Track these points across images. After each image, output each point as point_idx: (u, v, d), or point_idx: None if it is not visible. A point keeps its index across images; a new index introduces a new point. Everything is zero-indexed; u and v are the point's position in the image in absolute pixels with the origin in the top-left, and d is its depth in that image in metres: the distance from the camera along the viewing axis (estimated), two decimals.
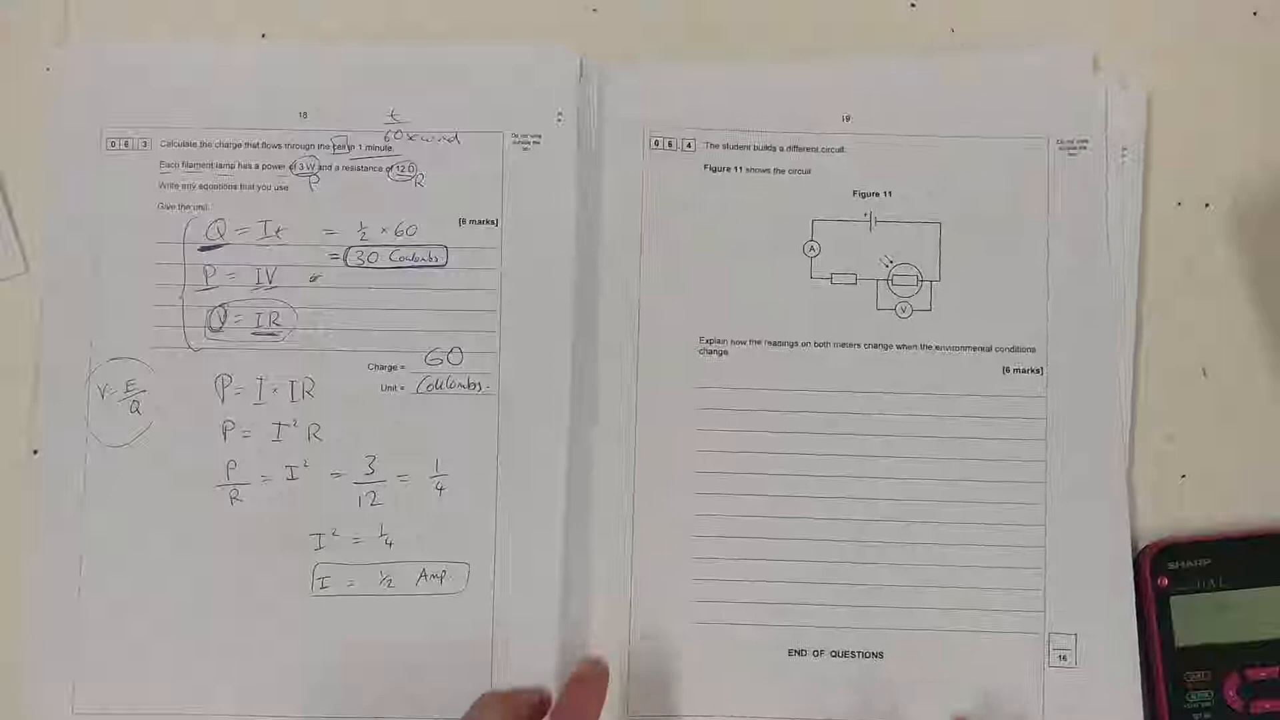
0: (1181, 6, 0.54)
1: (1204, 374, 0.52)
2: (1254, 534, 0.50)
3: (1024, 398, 0.51)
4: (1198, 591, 0.49)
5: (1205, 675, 0.49)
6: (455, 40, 0.53)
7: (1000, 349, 0.52)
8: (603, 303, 0.52)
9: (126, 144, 0.52)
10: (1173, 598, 0.49)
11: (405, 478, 0.51)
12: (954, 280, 0.52)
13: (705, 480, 0.51)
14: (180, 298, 0.52)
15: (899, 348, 0.52)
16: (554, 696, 0.49)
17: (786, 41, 0.53)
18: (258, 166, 0.52)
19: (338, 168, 0.52)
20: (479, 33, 0.53)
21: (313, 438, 0.51)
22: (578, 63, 0.53)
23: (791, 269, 0.52)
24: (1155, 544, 0.50)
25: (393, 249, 0.52)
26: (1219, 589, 0.49)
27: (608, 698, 0.49)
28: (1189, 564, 0.49)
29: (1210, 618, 0.49)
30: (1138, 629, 0.50)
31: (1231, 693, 0.49)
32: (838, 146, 0.53)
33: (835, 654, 0.50)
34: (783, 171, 0.52)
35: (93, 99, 0.52)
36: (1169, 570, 0.50)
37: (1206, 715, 0.49)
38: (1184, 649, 0.49)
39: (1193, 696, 0.49)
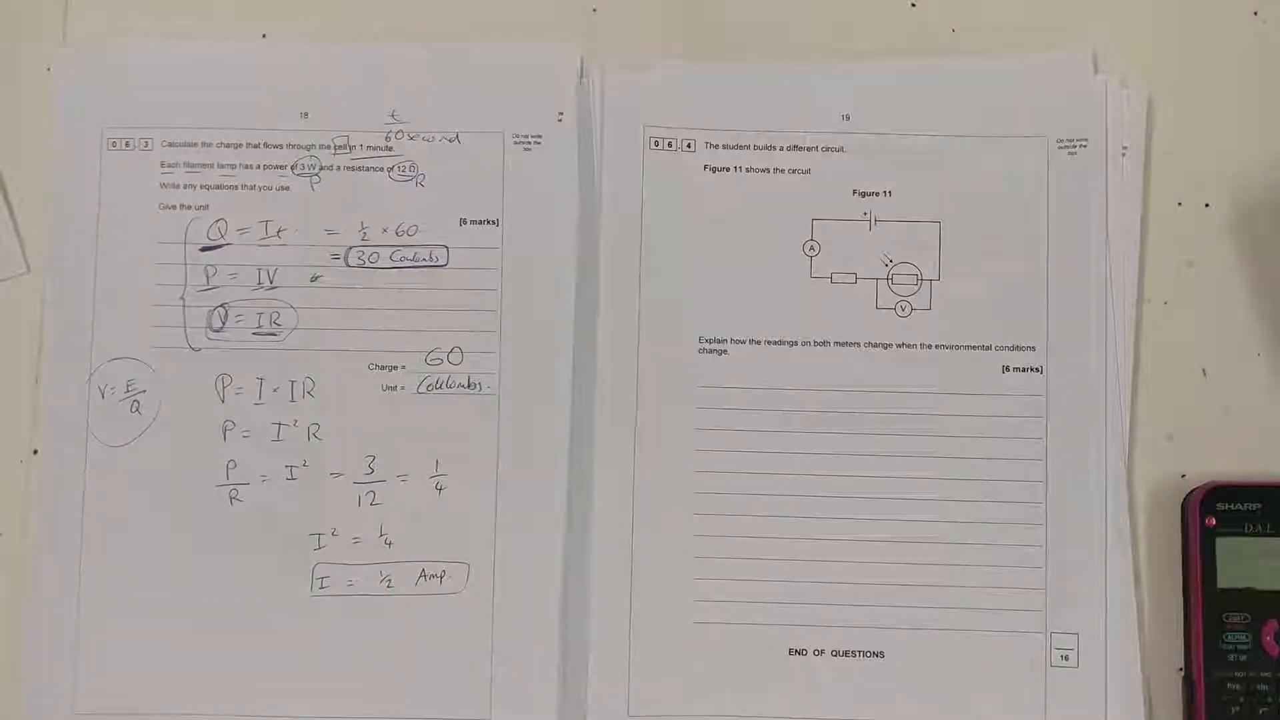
0: (1181, 6, 0.54)
1: (1204, 374, 0.52)
2: None
3: (1024, 398, 0.51)
4: (1245, 535, 0.49)
5: (1244, 618, 0.49)
6: (455, 40, 0.53)
7: (1000, 349, 0.52)
8: (603, 303, 0.52)
9: (127, 144, 0.52)
10: (1219, 538, 0.49)
11: (405, 478, 0.51)
12: (954, 280, 0.52)
13: (705, 480, 0.51)
14: (181, 298, 0.52)
15: (899, 347, 0.52)
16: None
17: (786, 41, 0.53)
18: (258, 167, 0.52)
19: (338, 168, 0.52)
20: (479, 33, 0.53)
21: (313, 438, 0.51)
22: (578, 63, 0.53)
23: (791, 268, 0.52)
24: (1206, 484, 0.50)
25: (393, 249, 0.52)
26: (1267, 534, 0.49)
27: (608, 697, 0.49)
28: (1239, 506, 0.49)
29: (1254, 562, 0.49)
30: (1182, 567, 0.50)
31: (1268, 638, 0.48)
32: (838, 146, 0.52)
33: (835, 654, 0.50)
34: (782, 171, 0.52)
35: (93, 99, 0.52)
36: (1217, 511, 0.49)
37: (1242, 658, 0.48)
38: (1225, 590, 0.49)
39: (1229, 637, 0.49)
